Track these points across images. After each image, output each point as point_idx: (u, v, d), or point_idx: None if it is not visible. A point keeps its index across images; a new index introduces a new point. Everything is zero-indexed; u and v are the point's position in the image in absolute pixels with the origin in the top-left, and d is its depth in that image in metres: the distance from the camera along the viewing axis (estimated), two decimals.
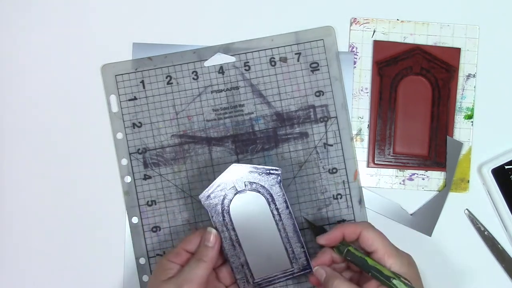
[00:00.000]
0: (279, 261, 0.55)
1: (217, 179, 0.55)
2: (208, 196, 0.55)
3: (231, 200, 0.55)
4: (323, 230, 0.56)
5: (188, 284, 0.51)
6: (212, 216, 0.54)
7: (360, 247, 0.53)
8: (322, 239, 0.54)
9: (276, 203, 0.55)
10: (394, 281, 0.50)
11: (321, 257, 0.54)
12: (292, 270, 0.55)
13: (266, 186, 0.55)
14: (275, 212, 0.55)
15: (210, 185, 0.55)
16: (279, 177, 0.55)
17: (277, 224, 0.55)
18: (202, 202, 0.54)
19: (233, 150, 0.61)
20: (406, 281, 0.50)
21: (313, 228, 0.58)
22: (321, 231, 0.56)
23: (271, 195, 0.55)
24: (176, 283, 0.51)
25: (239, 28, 0.62)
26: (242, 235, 0.55)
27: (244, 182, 0.55)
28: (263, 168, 0.55)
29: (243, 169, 0.55)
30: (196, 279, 0.51)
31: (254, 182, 0.55)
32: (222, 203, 0.55)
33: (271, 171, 0.55)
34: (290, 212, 0.55)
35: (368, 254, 0.53)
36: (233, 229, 0.55)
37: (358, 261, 0.52)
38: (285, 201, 0.55)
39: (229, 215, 0.55)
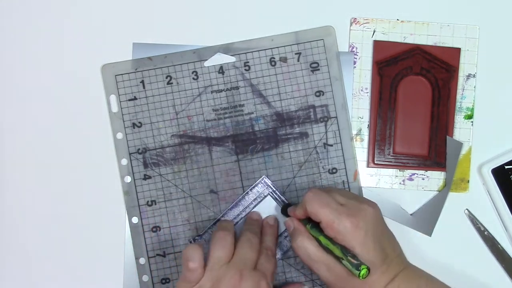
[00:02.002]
0: None
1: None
2: None
3: None
4: (290, 205, 0.58)
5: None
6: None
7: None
8: (291, 212, 0.56)
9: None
10: (343, 262, 0.50)
11: (293, 212, 0.56)
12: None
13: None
14: None
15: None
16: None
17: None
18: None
19: (233, 150, 0.61)
20: (352, 260, 0.49)
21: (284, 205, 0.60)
22: (287, 206, 0.58)
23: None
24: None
25: (239, 28, 0.62)
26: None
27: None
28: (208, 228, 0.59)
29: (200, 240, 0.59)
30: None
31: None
32: None
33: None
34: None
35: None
36: None
37: (316, 239, 0.53)
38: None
39: None
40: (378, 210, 0.53)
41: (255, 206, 0.59)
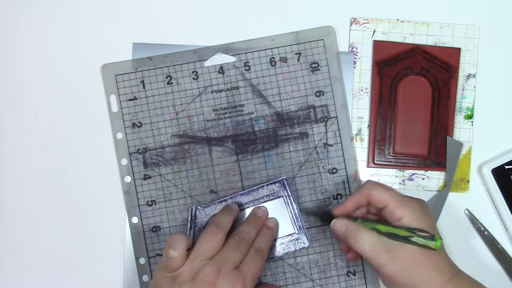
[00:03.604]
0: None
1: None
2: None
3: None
4: (331, 216, 0.56)
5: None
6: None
7: (374, 206, 0.54)
8: (338, 210, 0.55)
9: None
10: (413, 239, 0.50)
11: (341, 207, 0.55)
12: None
13: (204, 219, 0.58)
14: None
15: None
16: (198, 207, 0.58)
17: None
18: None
19: (233, 150, 0.61)
20: (423, 233, 0.50)
21: (321, 215, 0.59)
22: (327, 216, 0.56)
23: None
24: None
25: (239, 28, 0.62)
26: None
27: None
28: (189, 221, 0.58)
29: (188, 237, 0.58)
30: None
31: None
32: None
33: (192, 215, 0.58)
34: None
35: (381, 210, 0.53)
36: None
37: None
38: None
39: None
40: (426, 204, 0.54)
41: (264, 202, 0.59)
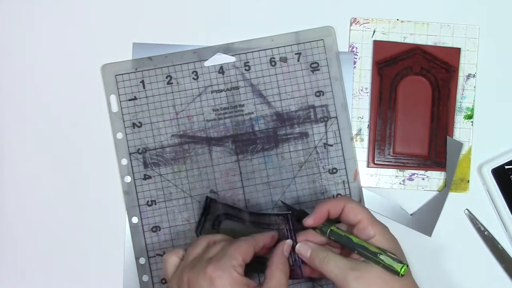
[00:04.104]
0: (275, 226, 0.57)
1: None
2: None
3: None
4: (304, 213, 0.55)
5: None
6: None
7: (344, 221, 0.53)
8: (309, 220, 0.53)
9: (229, 213, 0.58)
10: (381, 257, 0.49)
11: (304, 235, 0.54)
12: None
13: (217, 213, 0.58)
14: (235, 219, 0.58)
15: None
16: (212, 200, 0.59)
17: (245, 226, 0.57)
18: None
19: (233, 150, 0.61)
20: (392, 255, 0.50)
21: (294, 212, 0.57)
22: (302, 215, 0.55)
23: (225, 213, 0.58)
24: None
25: (239, 28, 0.62)
26: None
27: (212, 229, 0.58)
28: (203, 209, 0.59)
29: (201, 225, 0.58)
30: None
31: (214, 221, 0.58)
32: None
33: (207, 203, 0.59)
34: (238, 209, 0.58)
35: (353, 226, 0.52)
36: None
37: (343, 240, 0.52)
38: (230, 206, 0.58)
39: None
40: None
41: (264, 229, 0.56)
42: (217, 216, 0.58)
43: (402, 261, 0.49)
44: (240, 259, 0.50)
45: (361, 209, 0.53)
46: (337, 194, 0.61)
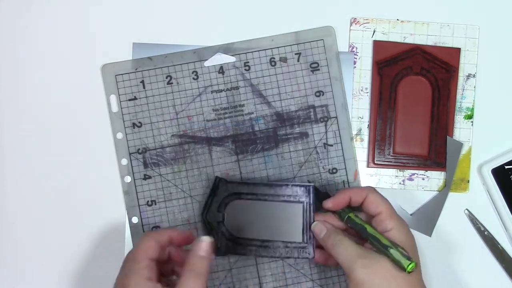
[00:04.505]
0: (292, 211, 0.57)
1: (210, 236, 0.53)
2: (218, 248, 0.56)
3: (227, 230, 0.57)
4: (328, 196, 0.56)
5: None
6: (236, 253, 0.57)
7: (365, 210, 0.54)
8: (329, 203, 0.54)
9: (242, 191, 0.57)
10: (391, 250, 0.50)
11: (322, 216, 0.55)
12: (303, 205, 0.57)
13: (226, 194, 0.58)
14: (249, 196, 0.57)
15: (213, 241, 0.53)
16: (222, 180, 0.58)
17: (259, 200, 0.57)
18: (224, 255, 0.57)
19: (233, 150, 0.61)
20: (403, 251, 0.50)
21: (318, 193, 0.57)
22: (325, 197, 0.55)
23: (235, 193, 0.58)
24: None
25: (239, 28, 0.62)
26: (260, 235, 0.57)
27: (217, 212, 0.57)
28: (210, 190, 0.58)
29: (207, 208, 0.58)
30: None
31: (220, 202, 0.58)
32: (227, 239, 0.57)
33: (216, 184, 0.58)
34: (253, 184, 0.58)
35: (372, 217, 0.53)
36: (252, 239, 0.57)
37: (358, 228, 0.53)
38: (243, 183, 0.58)
39: (239, 238, 0.57)
40: None
41: (283, 202, 0.57)
42: (224, 198, 0.57)
43: (411, 258, 0.49)
44: (144, 261, 0.48)
45: (383, 201, 0.53)
46: None
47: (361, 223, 0.53)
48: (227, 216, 0.57)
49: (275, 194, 0.57)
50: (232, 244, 0.57)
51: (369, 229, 0.52)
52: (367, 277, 0.49)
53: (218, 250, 0.56)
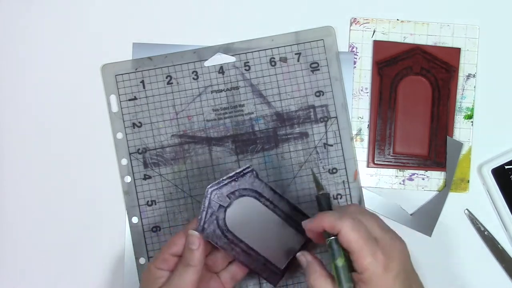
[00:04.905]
0: (293, 240, 0.55)
1: (202, 211, 0.53)
2: (203, 228, 0.53)
3: (224, 218, 0.54)
4: (326, 198, 0.52)
5: None
6: (217, 243, 0.54)
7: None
8: (306, 225, 0.51)
9: (264, 195, 0.55)
10: None
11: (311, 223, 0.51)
12: (306, 239, 0.55)
13: (247, 187, 0.55)
14: (267, 203, 0.55)
15: (200, 218, 0.53)
16: (254, 172, 0.55)
17: (274, 212, 0.55)
18: (203, 238, 0.52)
19: (233, 150, 0.61)
20: None
21: (318, 192, 0.53)
22: (323, 200, 0.52)
23: (256, 191, 0.55)
24: None
25: (239, 28, 0.62)
26: (250, 241, 0.54)
27: (226, 195, 0.54)
28: (235, 173, 0.54)
29: (220, 186, 0.54)
30: (190, 283, 0.50)
31: (235, 190, 0.55)
32: (219, 226, 0.54)
33: (244, 171, 0.55)
34: (279, 195, 0.55)
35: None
36: (241, 241, 0.54)
37: (332, 256, 0.49)
38: (270, 189, 0.55)
39: (230, 232, 0.54)
40: (407, 250, 0.49)
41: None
42: (242, 188, 0.55)
43: None
44: (162, 254, 0.52)
45: (356, 241, 0.47)
46: (337, 194, 0.61)
47: (337, 252, 0.48)
48: (233, 205, 0.54)
49: (290, 217, 0.56)
50: (220, 233, 0.54)
51: (339, 262, 0.48)
52: None
53: (203, 229, 0.53)
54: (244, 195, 0.55)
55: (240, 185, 0.55)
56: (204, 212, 0.54)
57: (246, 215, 0.55)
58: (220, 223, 0.54)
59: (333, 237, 0.48)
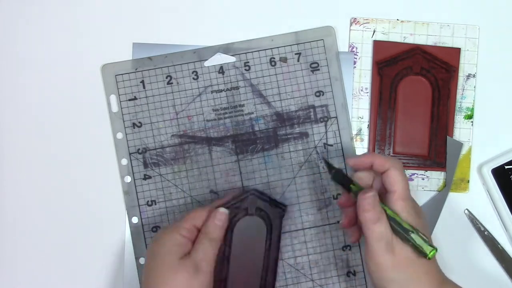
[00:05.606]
0: (251, 286, 0.56)
1: (233, 200, 0.56)
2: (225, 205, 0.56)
3: (238, 220, 0.56)
4: (341, 173, 0.55)
5: (206, 263, 0.52)
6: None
7: (382, 181, 0.52)
8: (351, 161, 0.54)
9: (272, 234, 0.56)
10: (412, 235, 0.49)
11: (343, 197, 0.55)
12: None
13: (270, 216, 0.56)
14: (268, 242, 0.56)
15: (229, 202, 0.56)
16: (283, 212, 0.57)
17: (264, 252, 0.56)
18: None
19: (233, 150, 0.61)
20: (424, 236, 0.49)
21: (331, 169, 0.56)
22: (338, 174, 0.55)
23: (271, 226, 0.56)
24: (194, 263, 0.51)
25: (239, 28, 0.62)
26: (234, 254, 0.56)
27: (256, 207, 0.56)
28: (274, 200, 0.57)
29: (258, 196, 0.56)
30: (212, 258, 0.52)
31: (263, 210, 0.56)
32: (232, 220, 0.55)
33: (279, 205, 0.57)
34: (278, 247, 0.57)
35: (387, 192, 0.52)
36: (229, 246, 0.55)
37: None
38: (279, 236, 0.57)
39: (232, 232, 0.55)
40: None
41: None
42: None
43: (432, 244, 0.49)
44: (186, 224, 0.53)
45: (400, 181, 0.51)
46: (337, 194, 0.61)
47: (382, 206, 0.50)
48: (247, 218, 0.56)
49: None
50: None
51: (388, 211, 0.50)
52: (391, 264, 0.49)
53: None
54: (264, 219, 0.56)
55: (268, 210, 0.57)
56: (235, 203, 0.56)
57: (250, 234, 0.56)
58: (234, 219, 0.56)
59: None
